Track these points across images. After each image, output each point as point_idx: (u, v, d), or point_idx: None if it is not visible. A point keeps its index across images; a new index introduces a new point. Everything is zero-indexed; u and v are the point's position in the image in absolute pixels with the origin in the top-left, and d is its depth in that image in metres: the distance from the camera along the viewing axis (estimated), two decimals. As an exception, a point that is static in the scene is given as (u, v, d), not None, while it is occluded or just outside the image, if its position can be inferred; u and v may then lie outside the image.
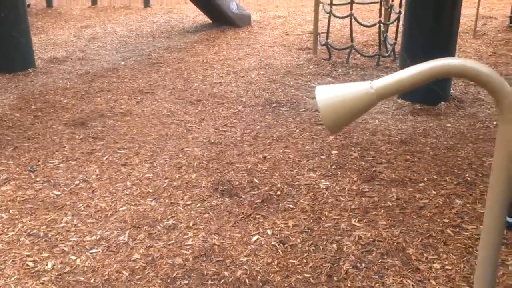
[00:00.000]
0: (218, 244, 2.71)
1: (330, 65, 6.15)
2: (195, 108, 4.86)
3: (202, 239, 2.76)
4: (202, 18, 8.98)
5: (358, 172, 3.44)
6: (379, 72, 5.81)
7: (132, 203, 3.14)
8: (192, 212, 3.03)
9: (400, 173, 3.41)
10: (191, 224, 2.90)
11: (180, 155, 3.81)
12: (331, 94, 1.58)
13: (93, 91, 5.34)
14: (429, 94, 4.74)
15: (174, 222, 2.93)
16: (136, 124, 4.46)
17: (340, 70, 5.94)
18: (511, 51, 6.56)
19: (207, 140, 4.09)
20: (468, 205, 2.98)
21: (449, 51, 4.74)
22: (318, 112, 1.51)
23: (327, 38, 6.37)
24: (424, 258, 2.53)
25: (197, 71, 6.03)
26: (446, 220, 2.83)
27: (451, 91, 4.97)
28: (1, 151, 3.92)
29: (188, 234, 2.81)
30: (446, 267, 2.47)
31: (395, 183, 3.28)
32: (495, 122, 4.36)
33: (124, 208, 3.09)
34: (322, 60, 6.34)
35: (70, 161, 3.74)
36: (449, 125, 4.35)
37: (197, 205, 3.10)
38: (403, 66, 4.91)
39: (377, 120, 4.46)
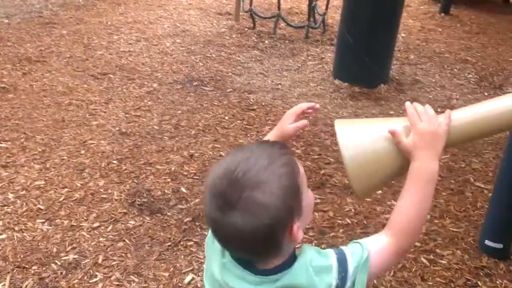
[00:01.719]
0: (139, 290, 2.03)
1: (255, 35, 5.47)
2: (100, 84, 4.00)
3: (117, 283, 2.06)
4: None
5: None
6: (309, 45, 5.26)
7: (16, 228, 2.33)
8: (101, 239, 2.29)
9: (354, 178, 2.91)
10: (100, 260, 2.17)
11: (83, 152, 3.00)
12: (362, 146, 0.97)
13: (-35, 57, 4.24)
14: (368, 75, 4.29)
15: (76, 257, 2.18)
16: (23, 104, 3.54)
17: (267, 41, 5.30)
18: (439, 26, 6.32)
19: (117, 129, 3.30)
20: (436, 221, 2.54)
21: (393, 27, 4.29)
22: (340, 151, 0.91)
23: (250, 4, 5.67)
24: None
25: (100, 36, 5.08)
26: (417, 244, 2.37)
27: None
28: None
29: (96, 276, 2.09)
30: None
31: (349, 190, 2.77)
32: (439, 110, 4.01)
33: (3, 236, 2.27)
34: (246, 29, 5.64)
35: None
36: (392, 112, 3.93)
37: (108, 229, 2.36)
38: (341, 42, 4.39)
39: (315, 105, 3.92)
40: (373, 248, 0.92)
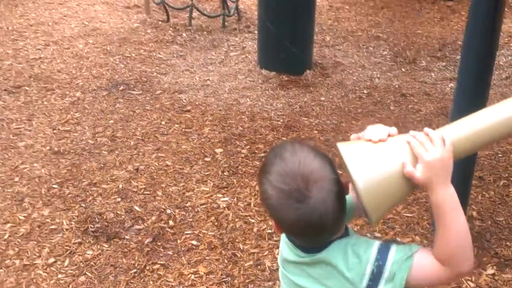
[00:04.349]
0: (114, 325, 1.94)
1: (170, 28, 5.32)
2: (16, 99, 3.70)
3: (90, 322, 1.96)
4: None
5: (256, 176, 2.89)
6: (228, 35, 5.21)
7: (-38, 278, 2.12)
8: (60, 276, 2.15)
9: (303, 172, 2.96)
10: (65, 300, 2.05)
11: (17, 179, 2.78)
12: (373, 169, 0.98)
13: None
14: (293, 62, 4.36)
15: (38, 300, 2.04)
16: None
17: (184, 34, 5.18)
18: (345, 3, 6.53)
19: (48, 148, 3.09)
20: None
21: (310, 10, 4.37)
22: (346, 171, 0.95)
23: (162, -5, 5.48)
24: None
25: (3, 43, 4.68)
26: (378, 234, 2.47)
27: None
28: None
29: (65, 318, 1.97)
30: None
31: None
32: (365, 91, 4.18)
33: (-50, 290, 2.07)
34: (159, 22, 5.47)
35: None
36: (323, 98, 4.03)
37: (65, 263, 2.22)
38: (262, 31, 4.40)
39: (248, 99, 3.91)
40: (420, 258, 0.95)
